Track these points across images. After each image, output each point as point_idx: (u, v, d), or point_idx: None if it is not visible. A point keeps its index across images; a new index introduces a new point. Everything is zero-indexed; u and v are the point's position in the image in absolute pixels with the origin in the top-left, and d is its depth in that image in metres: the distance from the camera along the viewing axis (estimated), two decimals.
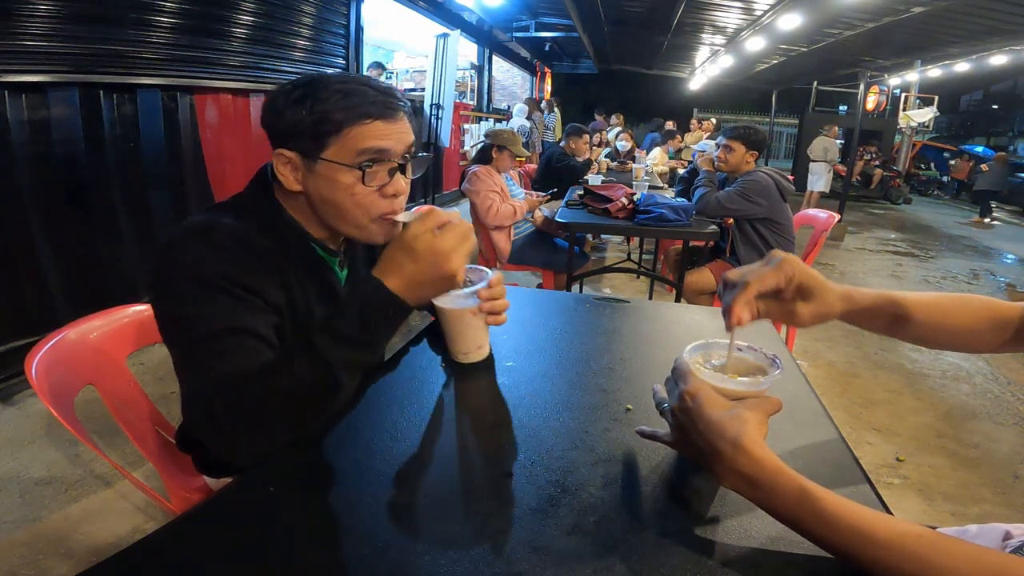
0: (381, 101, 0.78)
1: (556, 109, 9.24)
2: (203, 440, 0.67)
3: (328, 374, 0.64)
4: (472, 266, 0.85)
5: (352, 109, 0.76)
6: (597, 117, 9.32)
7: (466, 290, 0.84)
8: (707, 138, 7.04)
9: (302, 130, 0.76)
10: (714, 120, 9.62)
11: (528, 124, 7.90)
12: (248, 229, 0.77)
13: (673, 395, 0.62)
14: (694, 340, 1.12)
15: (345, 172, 0.77)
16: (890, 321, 0.74)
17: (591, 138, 7.22)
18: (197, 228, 0.74)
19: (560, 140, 4.69)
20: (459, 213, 0.71)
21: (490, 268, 3.39)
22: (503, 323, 0.93)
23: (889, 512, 0.61)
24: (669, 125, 8.33)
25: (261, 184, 0.85)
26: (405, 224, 0.68)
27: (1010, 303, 0.77)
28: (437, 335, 1.05)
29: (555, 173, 4.25)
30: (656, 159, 6.05)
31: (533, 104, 8.56)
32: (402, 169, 0.81)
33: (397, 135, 0.79)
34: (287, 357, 0.66)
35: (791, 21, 5.38)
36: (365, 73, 5.44)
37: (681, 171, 4.06)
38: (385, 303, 0.65)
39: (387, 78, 9.37)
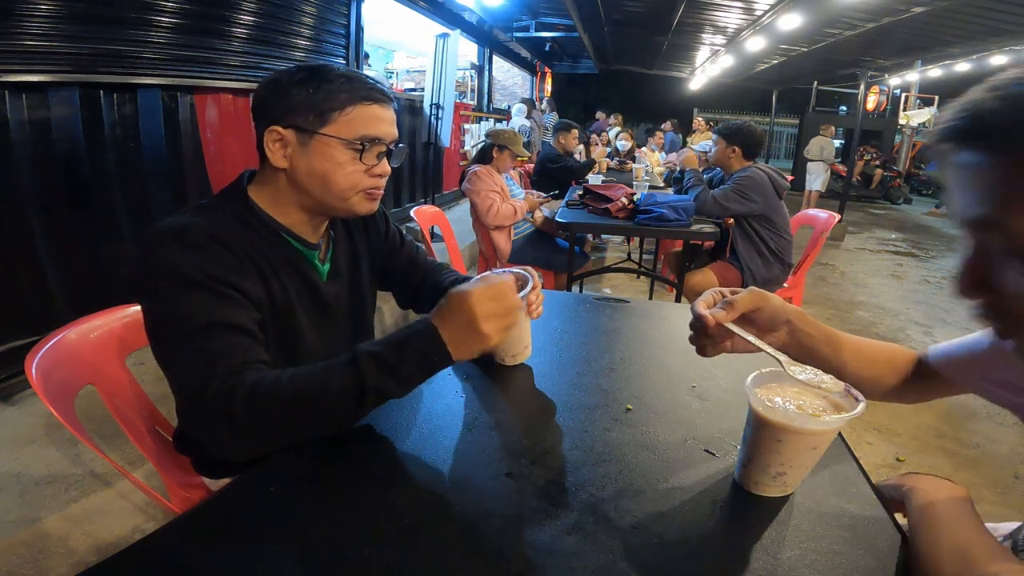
0: (379, 89, 0.85)
1: (555, 110, 9.23)
2: (204, 435, 0.67)
3: (359, 394, 0.65)
4: (514, 270, 0.88)
5: (355, 92, 0.82)
6: (599, 117, 9.30)
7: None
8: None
9: (306, 107, 0.80)
10: (702, 119, 9.68)
11: (528, 124, 7.89)
12: (221, 227, 0.78)
13: None
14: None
15: (342, 149, 0.82)
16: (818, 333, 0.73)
17: (598, 137, 7.23)
18: (170, 229, 0.75)
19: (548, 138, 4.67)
20: (511, 281, 0.72)
21: (490, 267, 3.38)
22: (539, 316, 0.95)
23: (891, 513, 0.61)
24: (667, 126, 8.34)
25: (236, 186, 0.87)
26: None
27: (904, 349, 0.77)
28: None
29: (550, 175, 4.24)
30: (651, 161, 6.04)
31: (531, 104, 8.55)
32: (388, 155, 0.87)
33: (389, 122, 0.86)
34: (325, 368, 0.67)
35: (791, 21, 5.38)
36: None
37: (676, 170, 4.07)
38: (436, 349, 0.67)
39: (388, 77, 9.37)
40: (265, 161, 0.84)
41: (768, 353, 0.65)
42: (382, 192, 0.89)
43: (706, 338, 0.69)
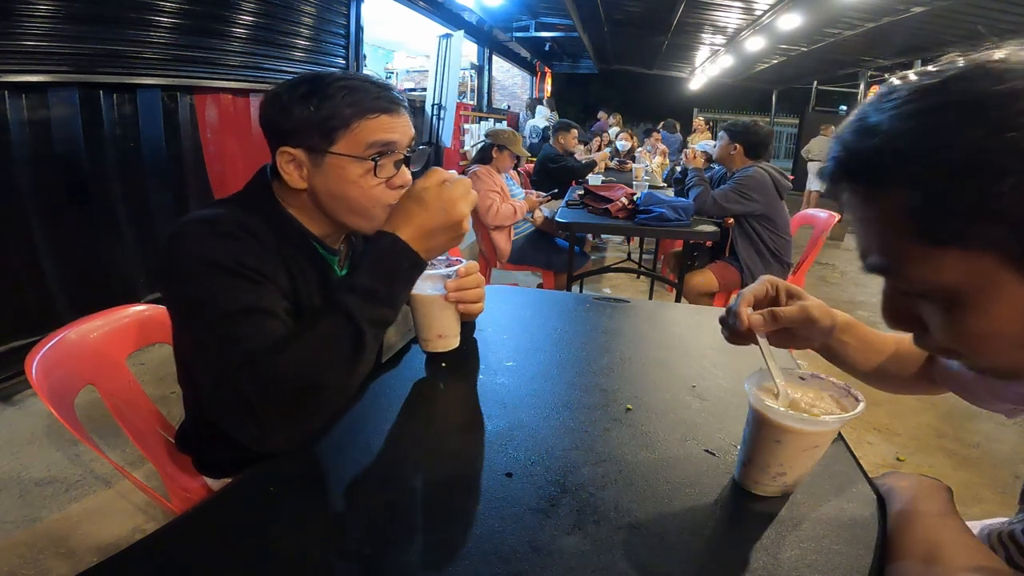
0: (385, 96, 0.81)
1: (555, 110, 9.23)
2: (230, 429, 0.64)
3: (354, 329, 0.64)
4: (448, 257, 0.90)
5: (359, 104, 0.78)
6: (600, 117, 9.25)
7: (438, 272, 0.88)
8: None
9: (310, 127, 0.77)
10: (702, 119, 9.70)
11: (541, 126, 7.88)
12: (251, 222, 0.77)
13: None
14: (694, 340, 1.12)
15: (355, 165, 0.79)
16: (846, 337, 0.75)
17: (600, 138, 7.22)
18: (204, 219, 0.74)
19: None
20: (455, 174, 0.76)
21: (490, 267, 3.36)
22: (479, 312, 0.95)
23: (884, 512, 0.61)
24: (676, 128, 8.33)
25: (261, 182, 0.85)
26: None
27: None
28: None
29: (550, 174, 4.23)
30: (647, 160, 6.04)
31: (534, 105, 8.55)
32: (407, 161, 0.84)
33: (402, 128, 0.82)
34: (310, 320, 0.66)
35: (791, 21, 5.37)
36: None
37: (677, 169, 4.06)
38: (400, 255, 0.68)
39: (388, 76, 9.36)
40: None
41: (773, 376, 0.63)
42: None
43: (735, 332, 0.67)
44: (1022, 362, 0.41)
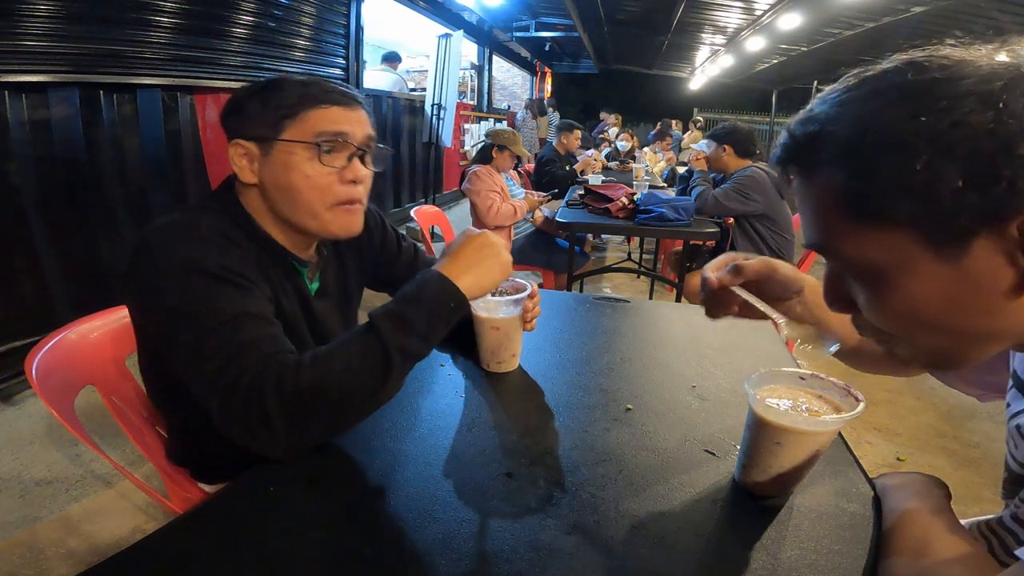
0: (339, 91, 0.80)
1: (556, 109, 9.23)
2: (241, 433, 0.63)
3: (384, 354, 0.63)
4: (512, 280, 0.91)
5: (310, 95, 0.78)
6: (603, 117, 9.22)
7: (511, 298, 0.88)
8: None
9: (261, 117, 0.77)
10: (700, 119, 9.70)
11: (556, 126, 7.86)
12: (224, 226, 0.76)
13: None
14: (694, 340, 1.12)
15: (302, 151, 0.77)
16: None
17: (603, 137, 7.20)
18: (177, 225, 0.73)
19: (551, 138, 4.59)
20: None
21: None
22: (533, 329, 0.96)
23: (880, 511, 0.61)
24: (673, 126, 8.32)
25: (228, 187, 0.84)
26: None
27: None
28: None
29: (542, 177, 4.23)
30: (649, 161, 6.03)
31: (534, 105, 8.54)
32: (362, 157, 0.81)
33: (356, 122, 0.80)
34: (344, 342, 0.65)
35: (791, 21, 5.37)
36: (380, 66, 5.41)
37: (681, 170, 4.04)
38: (448, 295, 0.68)
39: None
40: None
41: (768, 314, 0.65)
42: (362, 206, 0.83)
43: (712, 300, 0.69)
44: (945, 350, 0.44)
